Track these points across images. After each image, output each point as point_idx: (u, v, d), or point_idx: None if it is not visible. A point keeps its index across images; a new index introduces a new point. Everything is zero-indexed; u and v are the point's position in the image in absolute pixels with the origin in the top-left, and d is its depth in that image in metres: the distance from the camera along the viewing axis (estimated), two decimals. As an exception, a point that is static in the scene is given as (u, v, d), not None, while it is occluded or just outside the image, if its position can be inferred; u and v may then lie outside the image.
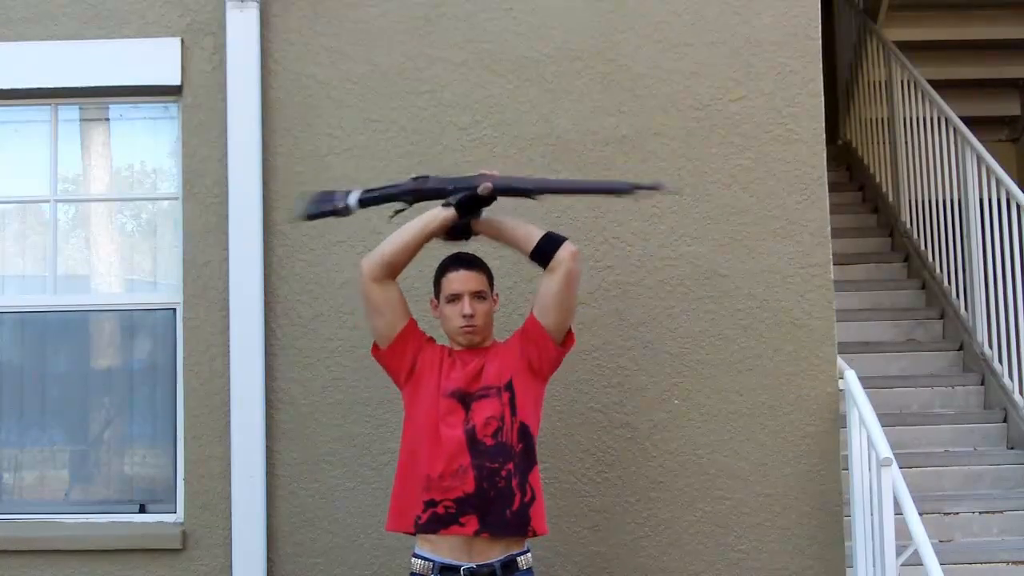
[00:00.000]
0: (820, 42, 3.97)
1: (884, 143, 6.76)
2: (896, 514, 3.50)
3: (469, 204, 3.13)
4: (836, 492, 3.82)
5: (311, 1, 4.00)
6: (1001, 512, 4.74)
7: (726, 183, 3.91)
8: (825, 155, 3.93)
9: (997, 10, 7.11)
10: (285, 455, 3.88)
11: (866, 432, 3.67)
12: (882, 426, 3.63)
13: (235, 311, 3.85)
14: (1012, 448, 5.13)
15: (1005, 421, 5.18)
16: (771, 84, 3.93)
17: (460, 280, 3.12)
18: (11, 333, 4.16)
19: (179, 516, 3.94)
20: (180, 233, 4.00)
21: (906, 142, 6.36)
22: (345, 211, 3.25)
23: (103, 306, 4.14)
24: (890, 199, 6.59)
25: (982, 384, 5.39)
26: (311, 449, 3.88)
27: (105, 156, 4.25)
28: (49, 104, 4.14)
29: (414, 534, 3.08)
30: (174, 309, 4.01)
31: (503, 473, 3.02)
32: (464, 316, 3.10)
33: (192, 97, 4.00)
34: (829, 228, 3.91)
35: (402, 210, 3.24)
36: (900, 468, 3.58)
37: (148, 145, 4.19)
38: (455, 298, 3.13)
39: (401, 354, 3.16)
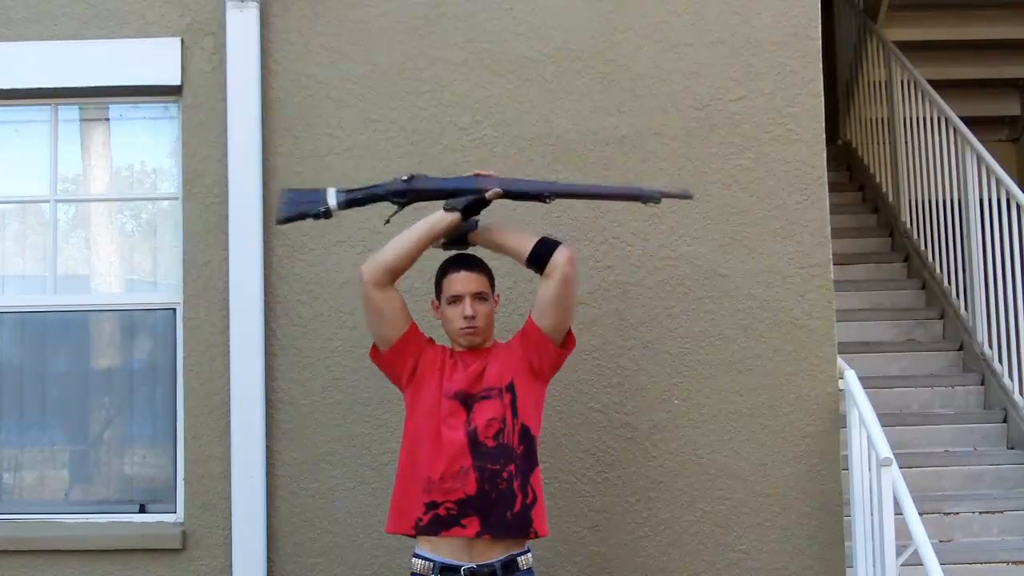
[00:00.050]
0: (820, 42, 3.97)
1: (884, 143, 6.75)
2: (896, 514, 3.50)
3: (475, 207, 3.12)
4: (836, 492, 3.82)
5: (311, 1, 4.00)
6: (1001, 512, 4.74)
7: (726, 183, 3.91)
8: (825, 155, 3.93)
9: (997, 10, 7.10)
10: (285, 455, 3.88)
11: (866, 432, 3.67)
12: (882, 426, 3.63)
13: (235, 311, 3.85)
14: (1012, 448, 5.12)
15: (1005, 421, 5.18)
16: (771, 84, 3.93)
17: (461, 281, 3.12)
18: (11, 333, 4.16)
19: (179, 516, 3.94)
20: (180, 233, 4.00)
21: (906, 142, 6.35)
22: (327, 214, 3.21)
23: (103, 306, 4.14)
24: (890, 199, 6.59)
25: (982, 384, 5.39)
26: (311, 449, 3.88)
27: (105, 156, 4.25)
28: (49, 104, 4.14)
29: (415, 536, 3.07)
30: (174, 309, 4.01)
31: (504, 475, 3.01)
32: (465, 318, 3.10)
33: (192, 97, 4.00)
34: (829, 228, 3.91)
35: (397, 211, 3.21)
36: (900, 468, 3.58)
37: (148, 145, 4.19)
38: (456, 299, 3.12)
39: (402, 357, 3.15)
